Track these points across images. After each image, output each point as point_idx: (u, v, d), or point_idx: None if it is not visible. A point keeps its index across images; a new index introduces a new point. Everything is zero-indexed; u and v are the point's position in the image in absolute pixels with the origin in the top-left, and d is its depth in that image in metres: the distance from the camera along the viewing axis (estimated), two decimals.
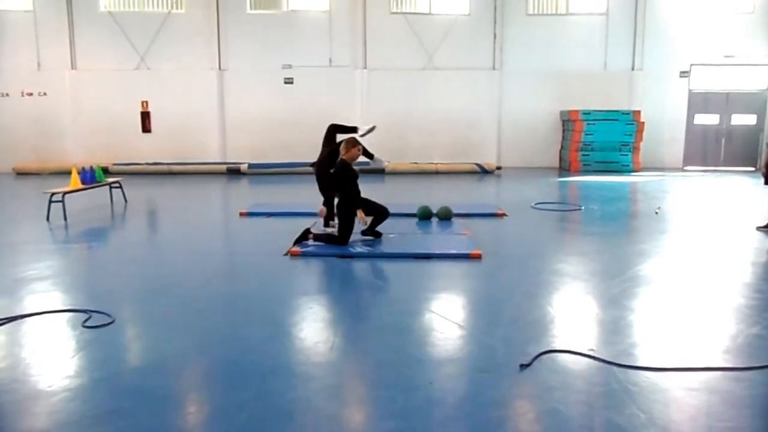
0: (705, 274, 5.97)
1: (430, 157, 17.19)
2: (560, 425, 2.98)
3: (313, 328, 4.46)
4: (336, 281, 5.81)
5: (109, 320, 4.44)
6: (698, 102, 17.69)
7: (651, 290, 5.39)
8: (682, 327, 4.41)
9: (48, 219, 8.80)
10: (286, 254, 6.55)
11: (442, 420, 3.03)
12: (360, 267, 6.23)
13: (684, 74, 17.55)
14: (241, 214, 9.26)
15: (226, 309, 4.91)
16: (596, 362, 3.68)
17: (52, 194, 8.98)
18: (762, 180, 8.24)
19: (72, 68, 17.31)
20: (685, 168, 17.74)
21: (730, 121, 17.77)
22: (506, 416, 3.10)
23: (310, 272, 6.08)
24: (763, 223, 8.08)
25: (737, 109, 17.69)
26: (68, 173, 10.16)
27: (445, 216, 8.55)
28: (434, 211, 8.61)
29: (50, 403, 3.20)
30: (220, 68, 17.39)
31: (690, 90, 17.65)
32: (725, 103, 17.65)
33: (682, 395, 3.28)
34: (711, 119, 17.81)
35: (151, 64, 17.38)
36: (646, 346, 4.03)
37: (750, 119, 17.71)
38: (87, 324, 4.37)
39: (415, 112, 17.50)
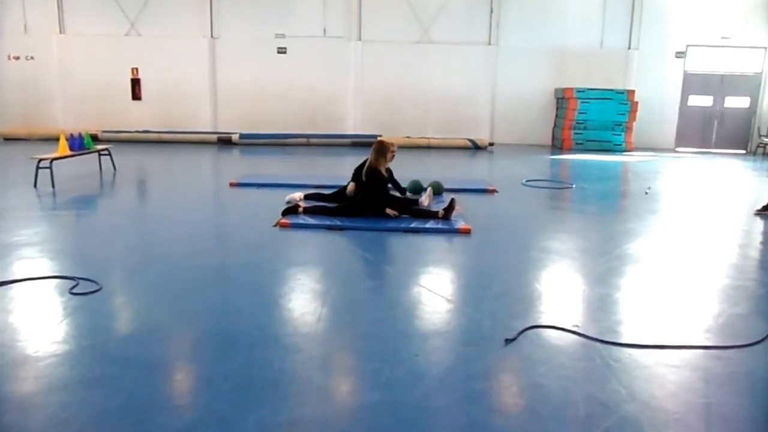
0: (692, 254, 6.03)
1: (423, 132, 17.11)
2: (543, 399, 3.02)
3: (300, 299, 4.47)
4: (325, 253, 5.81)
5: (97, 288, 4.42)
6: (693, 83, 17.66)
7: (638, 269, 5.43)
8: (666, 305, 4.46)
9: (35, 185, 8.70)
10: (275, 225, 6.54)
11: (427, 392, 3.07)
12: (349, 239, 6.24)
13: (680, 55, 17.47)
14: (231, 185, 9.20)
15: (214, 279, 4.91)
16: (580, 338, 3.73)
17: (40, 160, 8.86)
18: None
19: (60, 32, 16.97)
20: (677, 149, 17.78)
21: (723, 103, 17.77)
22: (490, 389, 3.14)
23: (298, 243, 6.07)
24: (761, 206, 8.09)
25: (731, 92, 17.67)
26: (56, 139, 10.03)
27: (436, 190, 8.53)
28: (425, 185, 8.58)
29: (37, 368, 3.21)
30: (212, 36, 17.11)
31: (685, 71, 17.60)
32: (720, 85, 17.63)
33: (663, 372, 3.33)
34: (705, 101, 17.80)
35: (141, 30, 17.06)
36: (631, 324, 4.08)
37: (743, 102, 17.71)
38: (74, 291, 4.36)
39: (409, 85, 17.36)
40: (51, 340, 3.55)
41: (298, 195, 7.82)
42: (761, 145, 16.64)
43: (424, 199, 7.50)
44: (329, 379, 3.25)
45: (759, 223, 7.58)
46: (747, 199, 9.42)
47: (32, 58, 17.08)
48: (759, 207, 8.08)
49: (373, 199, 6.91)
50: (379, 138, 7.42)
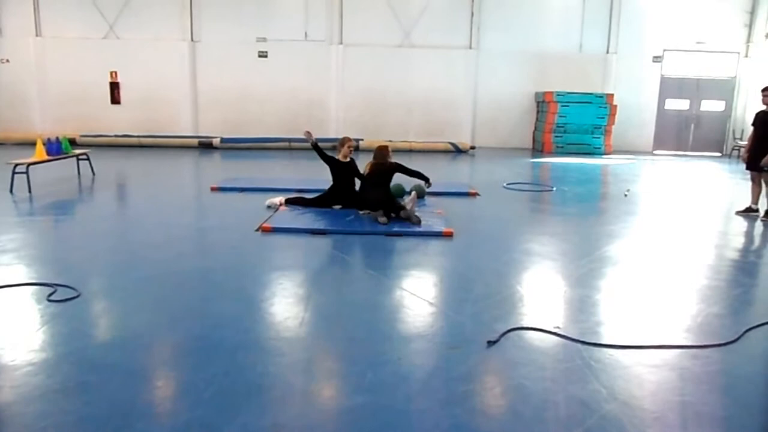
0: (670, 255, 6.12)
1: (405, 135, 17.16)
2: (525, 400, 3.05)
3: (283, 303, 4.45)
4: (307, 257, 5.79)
5: (75, 294, 4.36)
6: (670, 87, 17.96)
7: (617, 270, 5.51)
8: (645, 306, 4.53)
9: (11, 191, 8.55)
10: (257, 230, 6.51)
11: (410, 394, 3.08)
12: (332, 243, 6.23)
13: (657, 59, 17.75)
14: (213, 189, 9.14)
15: (196, 284, 4.87)
16: (562, 339, 3.77)
17: (16, 165, 8.72)
18: (743, 165, 8.35)
19: (37, 35, 16.71)
20: (655, 152, 18.06)
21: (699, 106, 18.10)
22: (473, 391, 3.16)
23: (281, 248, 6.05)
24: (743, 208, 8.24)
25: (707, 95, 18.01)
26: (33, 144, 9.87)
27: (419, 194, 8.55)
28: (407, 189, 8.61)
29: (13, 377, 3.15)
30: (192, 39, 16.98)
31: (662, 75, 17.89)
32: (696, 88, 17.95)
33: (643, 371, 3.38)
34: (681, 104, 18.11)
35: (120, 34, 16.88)
36: (611, 325, 4.13)
37: (719, 105, 18.06)
38: (52, 298, 4.29)
39: (390, 89, 17.40)
40: (28, 348, 3.49)
41: (278, 199, 7.80)
42: (736, 147, 16.96)
43: (408, 203, 7.53)
44: (312, 383, 3.24)
45: (734, 225, 7.73)
46: (723, 200, 9.60)
47: (8, 61, 16.80)
48: (741, 208, 8.22)
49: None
50: (379, 145, 7.78)
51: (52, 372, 3.23)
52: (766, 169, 7.76)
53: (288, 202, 7.77)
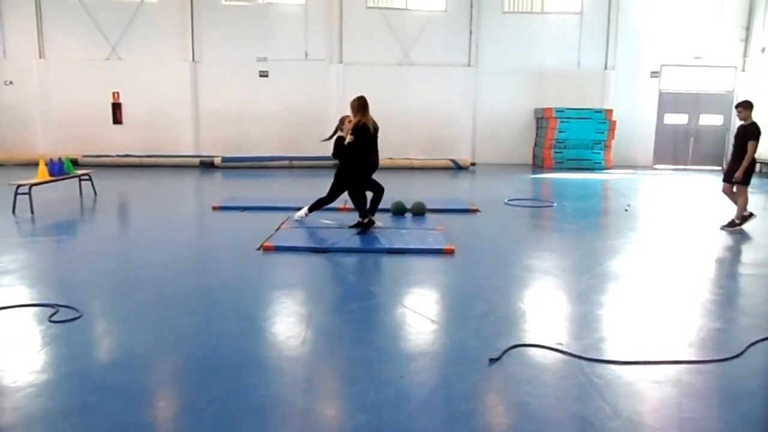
0: (671, 270, 6.11)
1: (406, 153, 17.22)
2: (528, 417, 3.03)
3: (285, 322, 4.45)
4: (309, 275, 5.80)
5: (77, 315, 4.36)
6: (668, 102, 18.06)
7: (619, 286, 5.50)
8: (648, 321, 4.52)
9: (14, 212, 8.58)
10: (258, 248, 6.52)
11: (412, 413, 3.06)
12: (333, 261, 6.23)
13: (655, 74, 17.89)
14: (214, 208, 9.17)
15: (198, 303, 4.87)
16: (564, 356, 3.75)
17: (18, 186, 8.76)
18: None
19: (40, 57, 16.88)
20: (655, 166, 18.10)
21: (698, 121, 18.19)
22: (475, 409, 3.15)
23: (282, 266, 6.05)
24: (726, 222, 8.26)
25: (705, 110, 18.11)
26: (36, 165, 9.92)
27: (419, 211, 8.58)
28: (408, 206, 8.64)
29: (15, 399, 3.14)
30: (193, 60, 17.14)
31: (660, 90, 18.00)
32: (694, 103, 18.05)
33: (646, 388, 3.37)
34: (680, 119, 18.20)
35: (122, 55, 17.05)
36: (613, 341, 4.12)
37: (717, 120, 18.14)
38: (54, 319, 4.29)
39: (390, 107, 17.47)
40: (29, 370, 3.48)
41: (303, 211, 7.95)
42: None
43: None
44: (314, 403, 3.22)
45: (735, 238, 7.72)
46: (723, 214, 9.58)
47: (11, 83, 16.96)
48: (725, 223, 8.24)
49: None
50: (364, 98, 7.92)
51: (54, 393, 3.22)
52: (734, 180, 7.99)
53: (310, 210, 7.92)
